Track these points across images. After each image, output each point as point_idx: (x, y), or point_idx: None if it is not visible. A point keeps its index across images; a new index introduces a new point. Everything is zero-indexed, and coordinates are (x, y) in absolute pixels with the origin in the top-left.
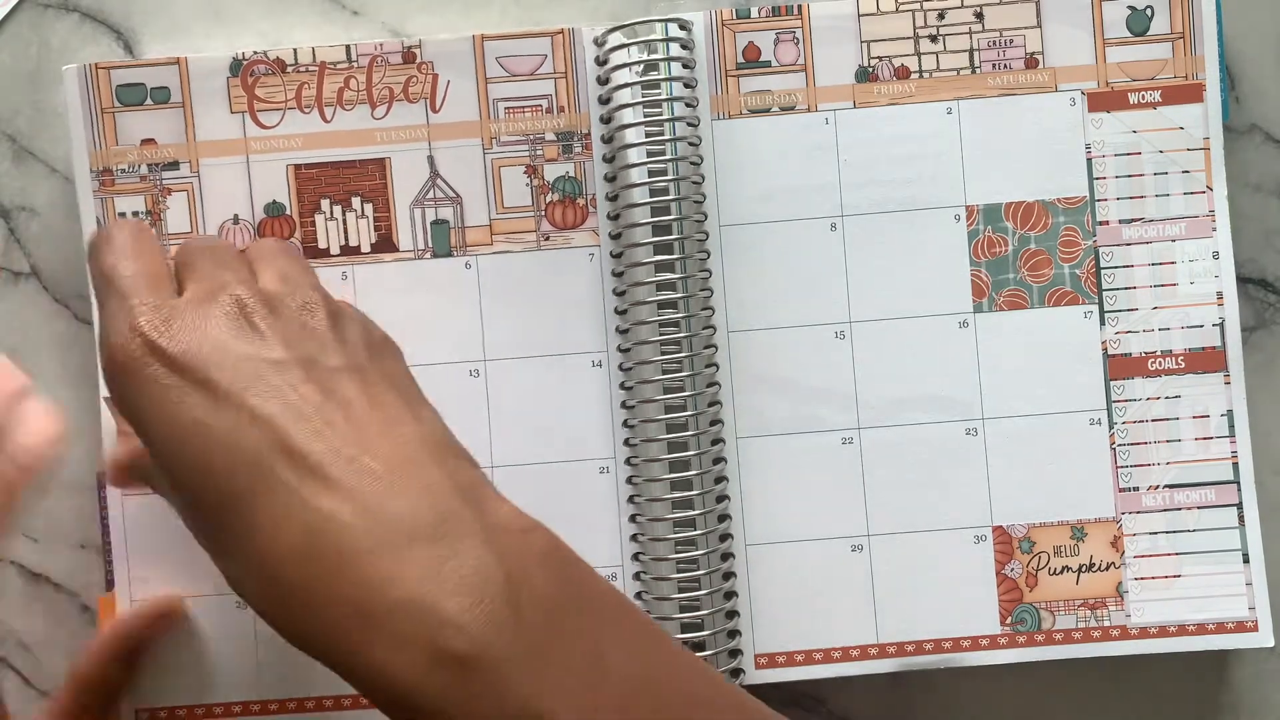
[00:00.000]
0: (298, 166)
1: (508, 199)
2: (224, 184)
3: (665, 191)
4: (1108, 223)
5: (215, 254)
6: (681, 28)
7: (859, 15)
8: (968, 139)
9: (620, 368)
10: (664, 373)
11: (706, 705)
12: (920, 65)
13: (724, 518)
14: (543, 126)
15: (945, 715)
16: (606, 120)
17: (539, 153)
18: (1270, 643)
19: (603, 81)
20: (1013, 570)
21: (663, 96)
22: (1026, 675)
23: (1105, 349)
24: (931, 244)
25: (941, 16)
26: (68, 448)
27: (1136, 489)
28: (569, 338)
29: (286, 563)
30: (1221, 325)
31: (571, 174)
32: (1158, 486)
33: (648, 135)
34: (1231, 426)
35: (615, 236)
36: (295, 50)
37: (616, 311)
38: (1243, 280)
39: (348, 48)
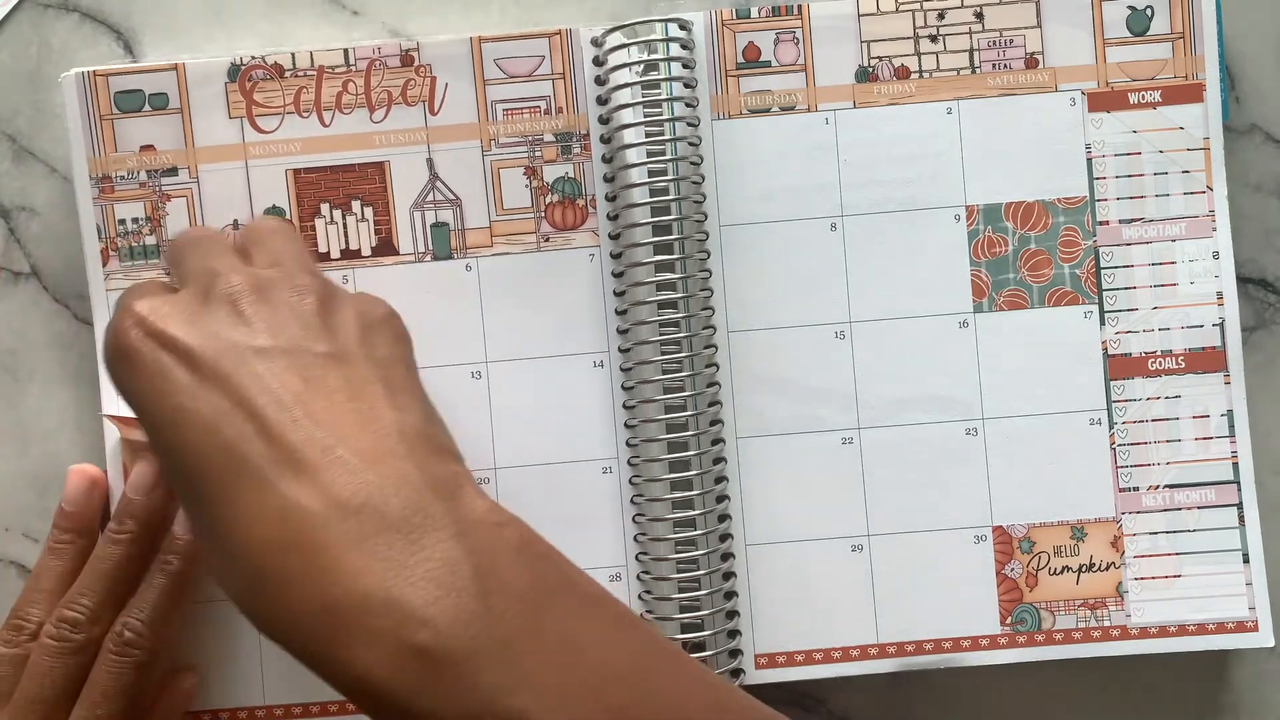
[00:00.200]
0: (297, 171)
1: (507, 201)
2: (223, 189)
3: (665, 191)
4: (1108, 223)
5: (202, 246)
6: (681, 28)
7: (859, 15)
8: (968, 139)
9: (621, 368)
10: (664, 373)
11: (684, 695)
12: (920, 65)
13: (724, 518)
14: (541, 128)
15: (945, 715)
16: (606, 121)
17: (538, 154)
18: (1270, 643)
19: (602, 82)
20: (1013, 570)
21: (663, 96)
22: (1026, 675)
23: (1105, 349)
24: (931, 244)
25: (941, 16)
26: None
27: (1136, 489)
28: (570, 338)
29: (260, 553)
30: (1221, 325)
31: (571, 175)
32: (1158, 486)
33: (648, 135)
34: (1231, 426)
35: (615, 237)
36: (293, 54)
37: (617, 312)
38: (1243, 280)
39: (345, 51)
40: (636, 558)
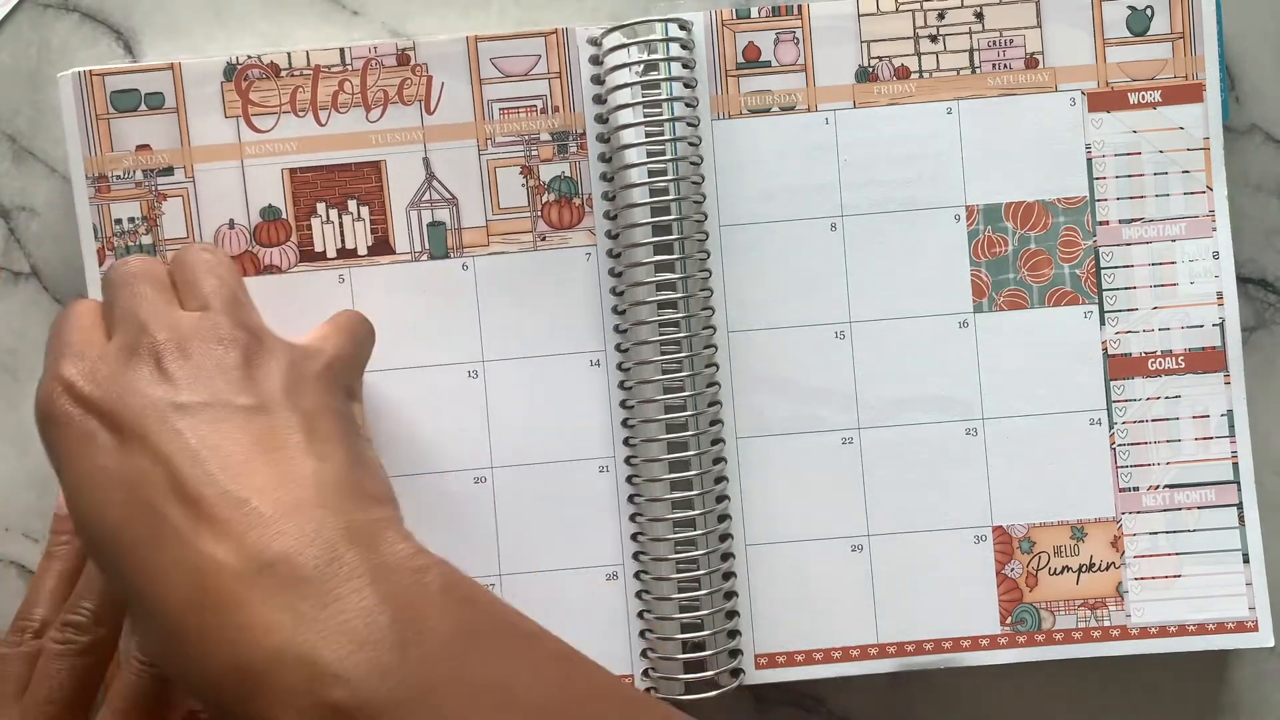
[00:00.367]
0: (293, 170)
1: (503, 200)
2: (219, 189)
3: (665, 191)
4: (1108, 223)
5: (133, 286)
6: (681, 28)
7: (859, 15)
8: (968, 139)
9: (620, 368)
10: (664, 373)
11: None
12: (920, 65)
13: (724, 518)
14: (538, 127)
15: (945, 715)
16: (604, 120)
17: (534, 153)
18: (1270, 643)
19: (600, 81)
20: (1013, 570)
21: (662, 96)
22: (1026, 675)
23: (1105, 349)
24: (931, 244)
25: (941, 16)
26: None
27: (1136, 489)
28: (567, 338)
29: (177, 612)
30: (1221, 325)
31: (567, 174)
32: (1158, 486)
33: (648, 135)
34: (1231, 426)
35: (614, 236)
36: (289, 54)
37: (615, 311)
38: (1243, 280)
39: (342, 51)
40: (634, 557)
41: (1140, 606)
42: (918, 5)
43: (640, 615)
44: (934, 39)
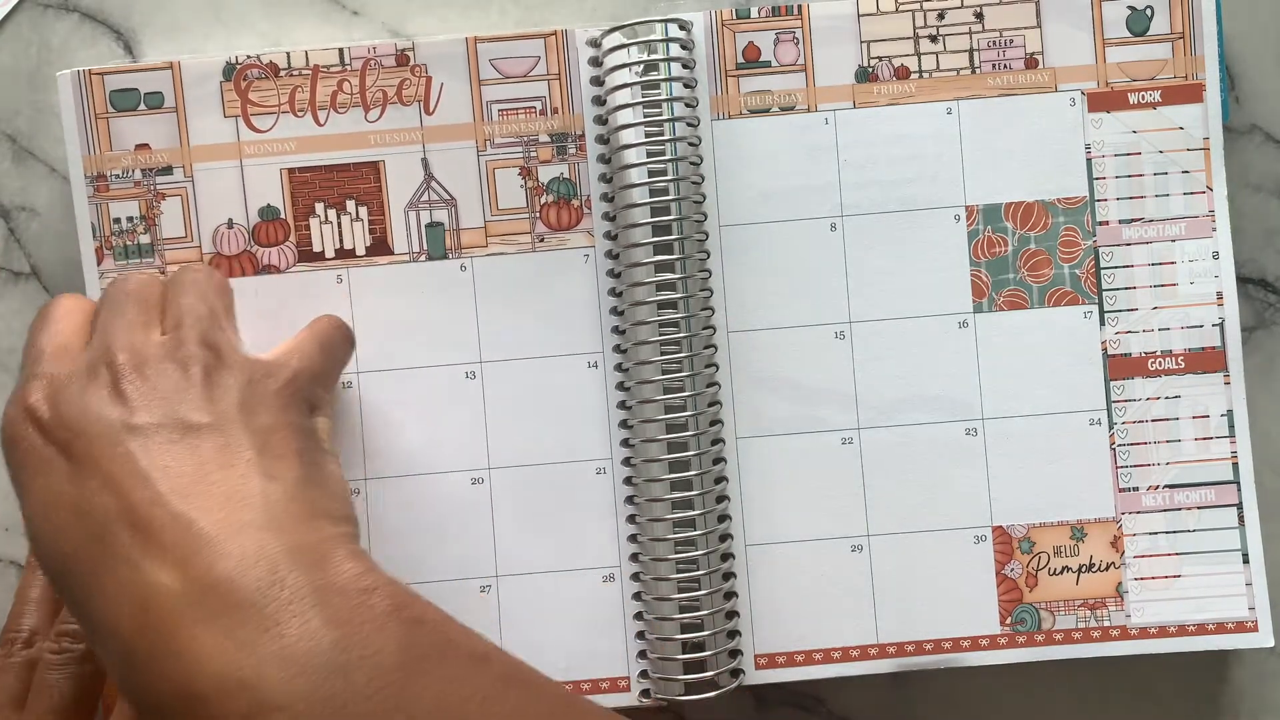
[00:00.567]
0: (292, 170)
1: (502, 201)
2: (218, 188)
3: (665, 192)
4: (1108, 223)
5: (118, 305)
6: (681, 28)
7: (859, 15)
8: (968, 139)
9: (619, 368)
10: (664, 373)
11: None
12: (920, 65)
13: (724, 518)
14: (536, 128)
15: (945, 715)
16: (603, 121)
17: (533, 154)
18: (1270, 643)
19: (600, 82)
20: (1013, 570)
21: (662, 97)
22: (1026, 675)
23: (1105, 349)
24: (931, 244)
25: (941, 16)
26: None
27: (1136, 489)
28: (565, 339)
29: (126, 636)
30: (1221, 325)
31: (566, 175)
32: (1158, 486)
33: (647, 135)
34: (1231, 426)
35: (613, 237)
36: (289, 54)
37: (614, 312)
38: (1243, 280)
39: (341, 51)
40: (633, 558)
41: (1140, 606)
42: (918, 5)
43: (638, 616)
44: (934, 39)
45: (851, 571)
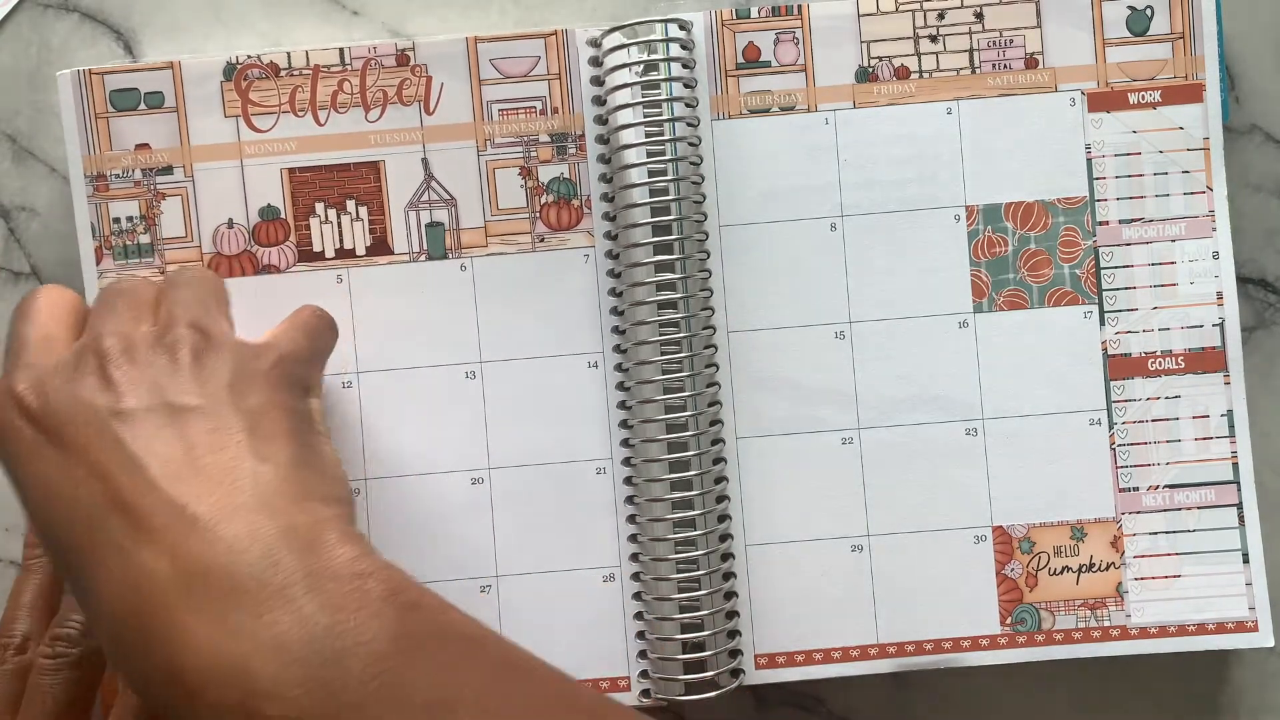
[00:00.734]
0: (292, 170)
1: (502, 201)
2: (218, 188)
3: (665, 192)
4: (1108, 223)
5: (111, 302)
6: (681, 28)
7: (859, 15)
8: (968, 139)
9: (619, 368)
10: (664, 373)
11: None
12: (920, 65)
13: (724, 518)
14: (537, 128)
15: (945, 715)
16: (603, 121)
17: (533, 154)
18: (1270, 643)
19: (600, 82)
20: (1013, 570)
21: (662, 97)
22: (1026, 675)
23: (1105, 349)
24: (931, 244)
25: (941, 16)
26: None
27: (1136, 489)
28: (565, 339)
29: (119, 621)
30: (1221, 325)
31: (566, 175)
32: (1158, 486)
33: (647, 135)
34: (1231, 426)
35: (613, 237)
36: (289, 54)
37: (614, 312)
38: (1243, 280)
39: (341, 51)
40: (633, 558)
41: (1140, 606)
42: (918, 5)
43: (638, 616)
44: (934, 39)
45: (851, 571)
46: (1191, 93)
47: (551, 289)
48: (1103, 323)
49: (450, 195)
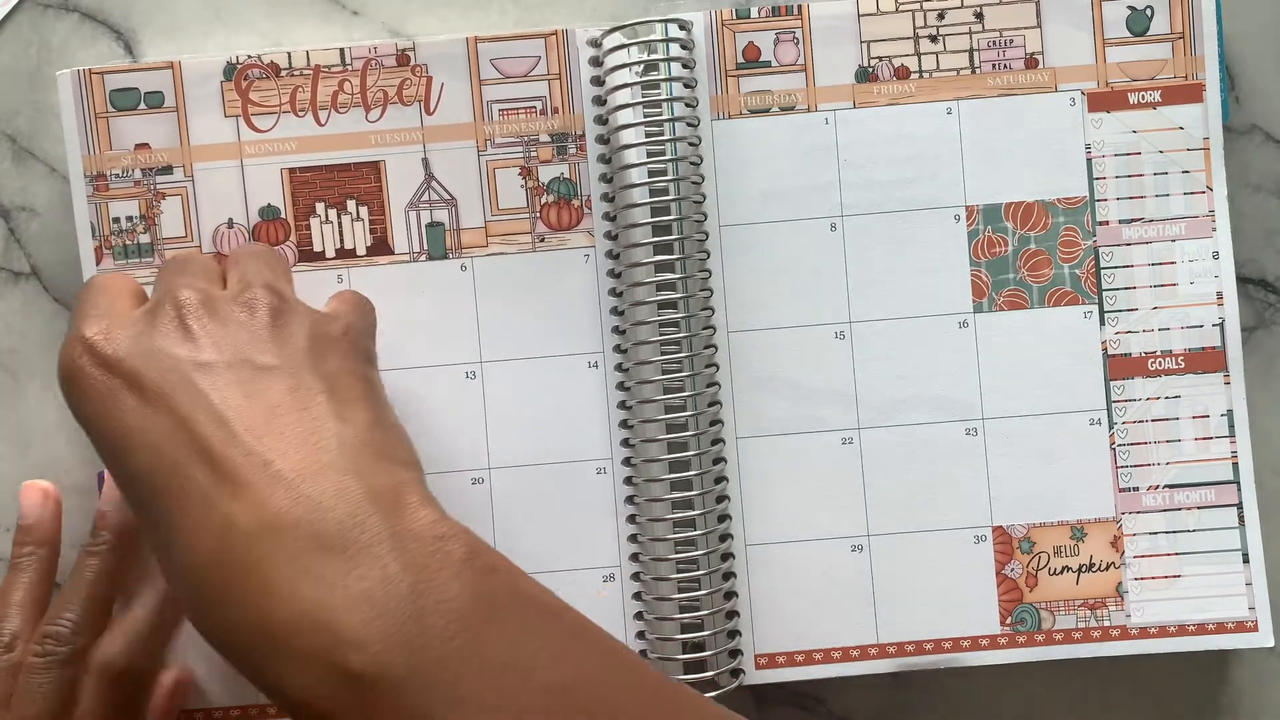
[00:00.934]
0: (292, 170)
1: (502, 201)
2: (218, 188)
3: (665, 191)
4: (1108, 223)
5: (180, 264)
6: (681, 28)
7: (859, 15)
8: (968, 139)
9: (619, 368)
10: (664, 373)
11: (641, 709)
12: (920, 65)
13: (724, 518)
14: (537, 128)
15: (945, 715)
16: (603, 121)
17: (533, 154)
18: (1270, 643)
19: (600, 82)
20: (1013, 570)
21: (662, 97)
22: (1026, 675)
23: (1105, 349)
24: (931, 244)
25: (941, 16)
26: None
27: (1136, 489)
28: (565, 339)
29: (202, 571)
30: (1221, 325)
31: (566, 175)
32: (1158, 486)
33: (647, 135)
34: (1231, 426)
35: (613, 237)
36: (289, 54)
37: (614, 312)
38: (1243, 280)
39: (342, 51)
40: (633, 558)
41: (1140, 606)
42: (918, 5)
43: (638, 616)
44: (934, 39)
45: (851, 571)
46: (1191, 93)
47: (551, 289)
48: (1103, 323)
49: (450, 195)
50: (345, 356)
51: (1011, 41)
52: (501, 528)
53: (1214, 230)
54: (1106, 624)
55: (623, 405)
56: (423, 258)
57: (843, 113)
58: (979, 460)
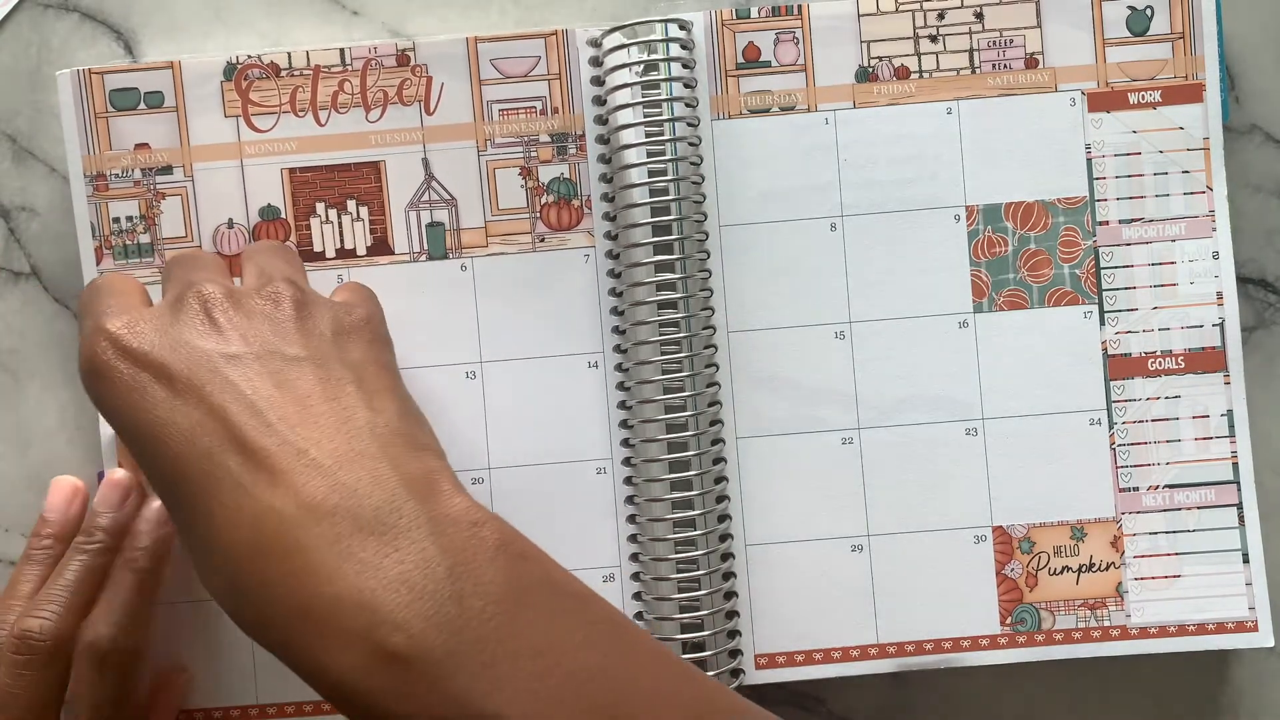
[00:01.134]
0: (292, 170)
1: (502, 201)
2: (218, 188)
3: (665, 191)
4: (1108, 223)
5: (191, 260)
6: (681, 28)
7: (859, 15)
8: (968, 139)
9: (619, 368)
10: (664, 373)
11: (669, 696)
12: (920, 65)
13: (724, 518)
14: (537, 128)
15: (945, 715)
16: (603, 121)
17: (533, 154)
18: (1270, 643)
19: (600, 82)
20: (1013, 570)
21: (662, 97)
22: (1026, 675)
23: (1105, 349)
24: (931, 244)
25: (941, 16)
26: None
27: (1136, 489)
28: (565, 339)
29: (238, 557)
30: (1221, 325)
31: (566, 175)
32: (1158, 486)
33: (648, 135)
34: (1231, 426)
35: (613, 237)
36: (289, 54)
37: (614, 312)
38: (1243, 280)
39: (342, 51)
40: (633, 558)
41: (1140, 606)
42: (918, 5)
43: (639, 616)
44: (934, 39)
45: (852, 571)
46: (1191, 93)
47: (551, 289)
48: (1103, 323)
49: (451, 195)
50: (369, 345)
51: (1011, 41)
52: None
53: (1214, 230)
54: (1106, 624)
55: (623, 405)
56: (423, 258)
57: (843, 113)
58: (979, 460)
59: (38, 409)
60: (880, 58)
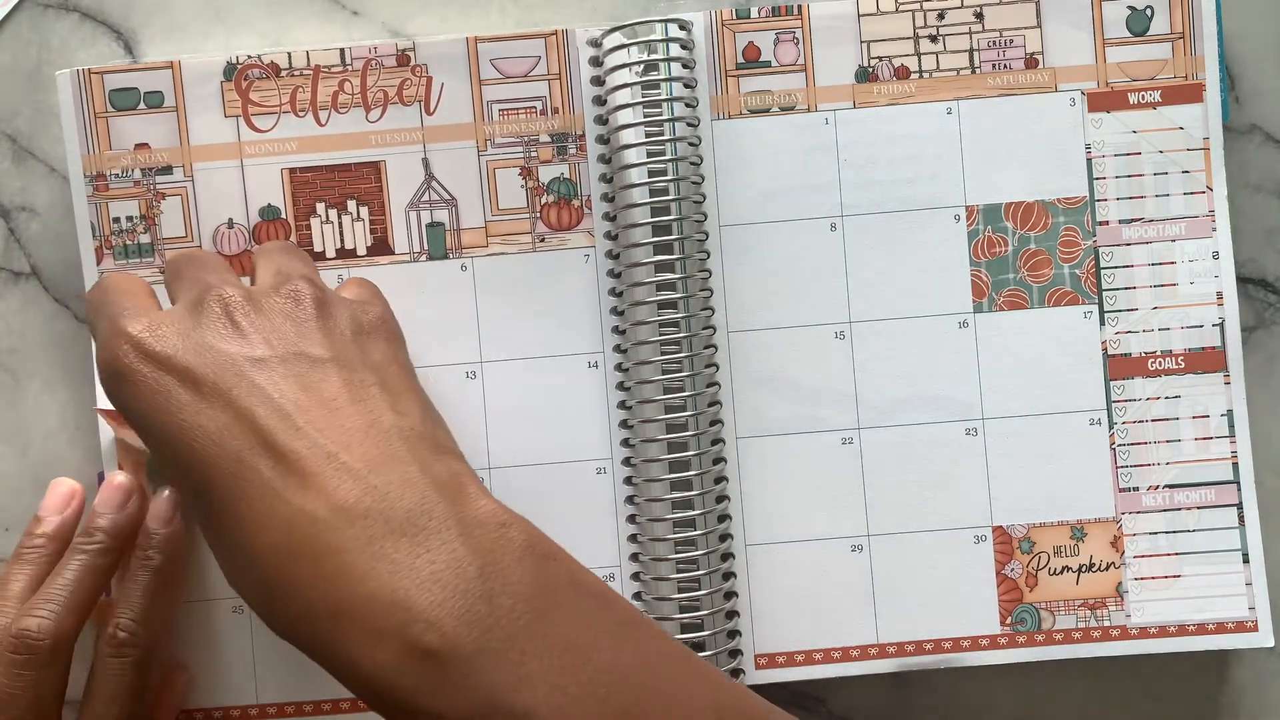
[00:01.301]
0: (292, 170)
1: (503, 201)
2: (218, 188)
3: (665, 191)
4: (1108, 223)
5: (199, 260)
6: (681, 28)
7: (859, 15)
8: (968, 139)
9: (619, 368)
10: (664, 373)
11: (690, 695)
12: (920, 65)
13: (724, 518)
14: (537, 128)
15: (945, 715)
16: (604, 121)
17: (533, 154)
18: (1270, 643)
19: (600, 82)
20: (1013, 570)
21: (662, 97)
22: (1026, 675)
23: (1105, 349)
24: (931, 244)
25: (941, 16)
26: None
27: (1136, 489)
28: (565, 339)
29: (269, 559)
30: (1221, 325)
31: (566, 175)
32: (1158, 486)
33: (647, 135)
34: (1231, 426)
35: (613, 237)
36: (289, 54)
37: (614, 312)
38: (1243, 280)
39: (342, 51)
40: (633, 558)
41: (1140, 606)
42: (918, 5)
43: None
44: (934, 39)
45: (852, 571)
46: (1191, 93)
47: (551, 289)
48: (1103, 323)
49: (451, 195)
50: (387, 344)
51: (1011, 41)
52: None
53: (1214, 230)
54: (1106, 624)
55: (623, 405)
56: (423, 258)
57: (843, 113)
58: (979, 460)
59: (38, 409)
60: (880, 58)
